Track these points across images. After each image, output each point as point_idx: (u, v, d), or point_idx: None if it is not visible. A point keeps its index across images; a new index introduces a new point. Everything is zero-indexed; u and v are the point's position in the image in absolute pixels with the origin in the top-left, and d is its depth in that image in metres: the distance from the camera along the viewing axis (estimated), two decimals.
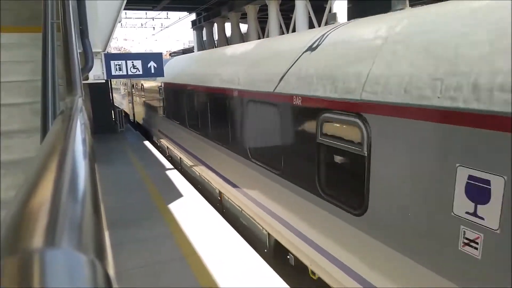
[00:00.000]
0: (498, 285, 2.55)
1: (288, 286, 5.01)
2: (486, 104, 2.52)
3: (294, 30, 16.14)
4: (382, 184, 3.48)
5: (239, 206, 7.23)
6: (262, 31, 21.56)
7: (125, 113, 21.21)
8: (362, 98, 3.58)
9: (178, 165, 12.03)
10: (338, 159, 4.27)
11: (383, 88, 3.34)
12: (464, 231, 2.77)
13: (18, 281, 0.39)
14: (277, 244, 5.92)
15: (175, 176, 10.14)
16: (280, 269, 5.84)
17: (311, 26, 15.27)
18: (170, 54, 21.15)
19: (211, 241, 6.25)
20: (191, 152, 10.31)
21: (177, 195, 8.58)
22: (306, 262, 5.05)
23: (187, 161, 10.94)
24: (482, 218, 2.64)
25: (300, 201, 4.93)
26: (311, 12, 14.83)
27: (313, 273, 5.05)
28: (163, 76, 7.34)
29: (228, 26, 24.98)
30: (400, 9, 4.10)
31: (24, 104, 4.11)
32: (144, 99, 16.92)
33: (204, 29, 28.68)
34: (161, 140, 14.21)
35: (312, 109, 4.41)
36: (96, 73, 6.19)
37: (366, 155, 3.62)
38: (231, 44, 18.68)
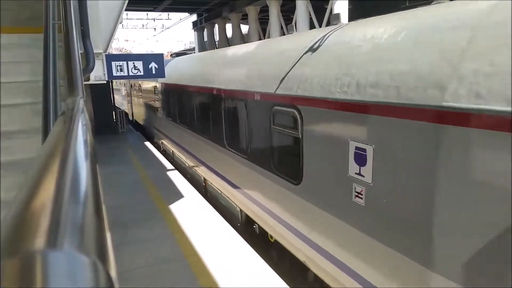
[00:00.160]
0: (374, 221, 3.63)
1: (287, 286, 5.01)
2: (362, 96, 3.61)
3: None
4: (310, 159, 4.62)
5: (218, 189, 8.40)
6: (263, 32, 21.59)
7: (125, 112, 21.47)
8: (297, 93, 4.72)
9: (170, 157, 13.08)
10: (284, 142, 5.37)
11: (310, 85, 4.45)
12: (355, 187, 3.84)
13: (19, 283, 0.39)
14: (247, 217, 7.06)
15: (175, 176, 10.15)
16: (249, 238, 6.79)
17: (312, 26, 15.28)
18: (171, 55, 21.22)
19: (212, 241, 6.25)
20: (181, 145, 11.45)
21: (178, 195, 8.58)
22: (266, 228, 6.20)
23: (178, 154, 12.00)
24: (363, 176, 3.70)
25: (260, 179, 6.05)
26: (311, 12, 14.84)
27: (271, 237, 6.22)
28: (164, 77, 7.36)
29: (229, 27, 24.99)
30: (335, 24, 5.17)
31: (24, 104, 4.11)
32: (141, 99, 18.00)
33: (205, 30, 28.71)
34: (156, 136, 15.37)
35: (267, 103, 5.56)
36: (97, 74, 6.20)
37: (300, 137, 4.74)
38: (232, 45, 19.14)
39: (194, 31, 30.65)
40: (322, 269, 4.61)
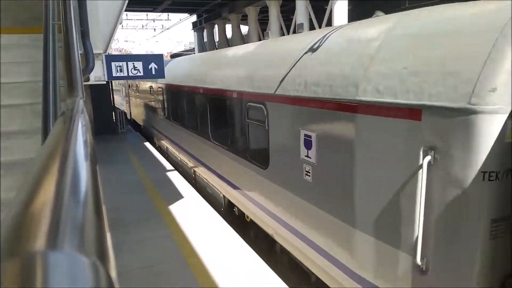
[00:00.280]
0: (318, 194, 4.57)
1: (287, 286, 5.01)
2: (308, 93, 4.53)
3: (295, 31, 16.16)
4: (275, 147, 5.53)
5: (205, 179, 9.36)
6: (262, 32, 21.58)
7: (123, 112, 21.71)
8: (263, 92, 5.64)
9: (165, 153, 13.96)
10: (256, 133, 6.16)
11: (273, 84, 5.37)
12: (305, 167, 4.76)
13: (19, 284, 0.39)
14: (229, 202, 7.95)
15: (175, 177, 10.15)
16: (231, 220, 7.60)
17: (311, 27, 15.28)
18: (171, 56, 21.37)
19: (211, 242, 6.25)
20: (173, 140, 12.46)
21: (178, 196, 8.58)
22: (243, 210, 7.13)
23: (171, 149, 12.90)
24: (310, 158, 4.62)
25: (238, 166, 6.99)
26: (311, 13, 14.84)
27: (247, 217, 7.08)
28: (164, 77, 7.37)
29: (229, 28, 24.98)
30: (300, 32, 6.58)
31: (24, 105, 4.10)
32: (138, 99, 19.05)
33: (205, 30, 28.70)
34: (153, 133, 16.35)
35: (242, 100, 6.46)
36: (97, 75, 6.19)
37: (267, 128, 5.62)
38: (232, 46, 19.36)
39: (194, 31, 30.62)
40: (284, 239, 5.57)
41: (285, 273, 5.93)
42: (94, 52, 5.38)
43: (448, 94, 2.92)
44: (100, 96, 16.77)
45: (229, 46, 19.62)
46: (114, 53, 23.46)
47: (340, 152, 4.05)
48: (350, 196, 3.96)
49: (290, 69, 5.01)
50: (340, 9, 12.77)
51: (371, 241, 3.77)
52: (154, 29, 45.16)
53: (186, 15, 29.34)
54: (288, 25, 17.63)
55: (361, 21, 4.68)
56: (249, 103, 6.17)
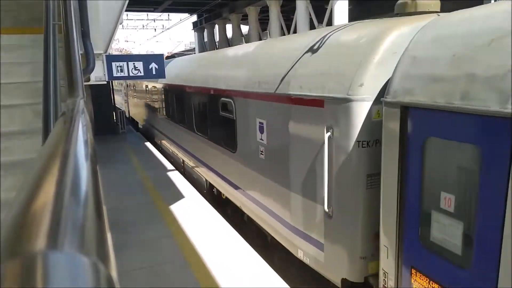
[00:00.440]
0: (269, 168, 5.76)
1: (288, 286, 5.00)
2: (261, 89, 5.72)
3: (295, 31, 16.15)
4: (240, 134, 6.74)
5: (192, 167, 10.67)
6: (263, 32, 21.55)
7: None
8: (232, 88, 6.88)
9: (159, 146, 15.17)
10: (227, 123, 7.32)
11: (239, 83, 6.58)
12: (260, 148, 5.96)
13: (19, 284, 0.39)
14: (210, 184, 9.20)
15: (176, 177, 10.15)
16: (211, 200, 8.81)
17: (312, 27, 15.27)
18: (166, 58, 21.68)
19: (212, 242, 6.25)
20: (165, 134, 13.81)
21: (178, 196, 8.58)
22: (219, 189, 8.36)
23: (165, 144, 14.02)
24: (263, 140, 5.83)
25: (215, 152, 8.30)
26: (312, 13, 14.84)
27: (223, 195, 8.25)
28: (164, 77, 7.38)
29: (229, 28, 24.97)
30: (265, 39, 7.52)
31: (24, 105, 4.10)
32: (136, 98, 20.42)
33: (205, 30, 28.69)
34: (148, 128, 17.71)
35: (217, 96, 7.74)
36: (98, 75, 6.19)
37: (235, 119, 6.88)
38: (232, 46, 19.62)
39: (194, 31, 30.62)
40: (249, 209, 6.75)
41: (252, 239, 6.87)
42: (95, 52, 5.38)
43: (338, 89, 4.15)
44: (101, 96, 16.78)
45: (229, 46, 19.81)
46: (114, 53, 23.49)
47: (280, 134, 5.32)
48: (287, 166, 5.22)
49: (250, 70, 6.35)
50: (340, 9, 12.76)
51: (300, 199, 5.01)
52: (155, 29, 45.16)
53: (186, 15, 29.33)
54: (288, 25, 17.62)
55: (296, 34, 6.48)
56: (222, 99, 7.44)
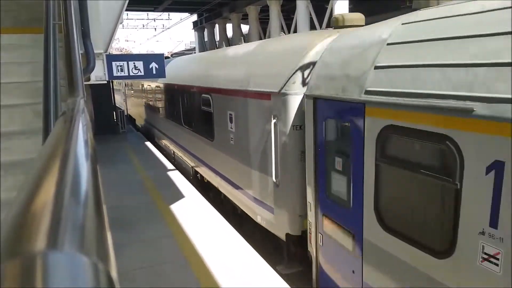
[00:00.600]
0: (237, 152, 7.14)
1: (288, 286, 5.00)
2: (233, 86, 6.96)
3: (295, 31, 16.15)
4: (218, 127, 8.01)
5: (181, 156, 12.12)
6: (263, 32, 21.56)
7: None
8: (210, 86, 8.23)
9: (152, 139, 16.46)
10: (207, 116, 8.66)
11: (215, 81, 7.95)
12: (230, 135, 7.35)
13: (19, 284, 0.39)
14: (195, 171, 10.60)
15: (176, 177, 10.15)
16: (196, 184, 9.99)
17: (312, 27, 15.27)
18: (171, 55, 21.65)
19: (212, 242, 6.25)
20: (158, 128, 15.29)
21: (179, 196, 8.58)
22: (201, 173, 9.81)
23: (159, 139, 15.37)
24: (232, 128, 7.23)
25: (198, 142, 9.74)
26: (312, 13, 14.84)
27: (205, 179, 9.60)
28: (165, 77, 7.37)
29: (229, 27, 24.96)
30: (239, 44, 9.73)
31: (25, 105, 4.10)
32: (133, 97, 22.05)
33: (206, 30, 28.69)
34: (144, 125, 19.09)
35: (198, 92, 9.15)
36: (98, 74, 6.19)
37: (212, 112, 8.23)
38: (232, 45, 19.82)
39: (195, 31, 30.63)
40: (224, 188, 8.08)
41: (228, 215, 7.98)
42: (95, 51, 5.38)
43: (279, 85, 5.46)
44: (101, 96, 16.77)
45: (229, 46, 19.97)
46: (114, 52, 23.52)
47: (243, 122, 6.69)
48: (248, 148, 6.57)
49: (224, 70, 7.84)
50: (340, 9, 12.76)
51: (258, 174, 6.34)
52: (155, 28, 45.15)
53: (186, 14, 29.33)
54: (288, 24, 17.61)
55: (258, 41, 8.02)
56: (203, 95, 8.82)
